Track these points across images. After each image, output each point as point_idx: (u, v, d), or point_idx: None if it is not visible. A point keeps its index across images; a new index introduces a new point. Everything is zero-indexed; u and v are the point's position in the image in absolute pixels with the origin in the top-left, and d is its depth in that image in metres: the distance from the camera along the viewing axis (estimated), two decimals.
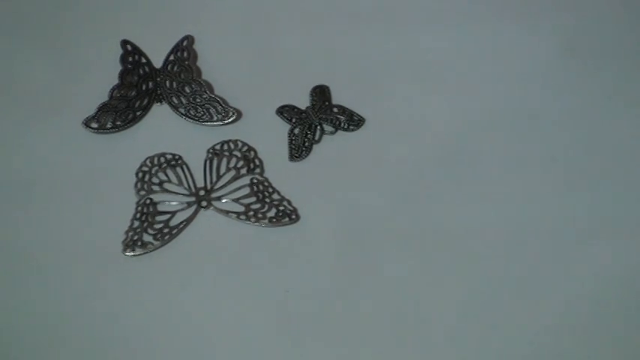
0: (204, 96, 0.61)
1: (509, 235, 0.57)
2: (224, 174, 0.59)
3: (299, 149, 0.60)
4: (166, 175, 0.58)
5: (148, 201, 0.57)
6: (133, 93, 0.61)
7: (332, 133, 0.61)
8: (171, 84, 0.62)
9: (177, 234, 0.56)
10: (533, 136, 0.61)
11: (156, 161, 0.59)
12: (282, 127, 0.61)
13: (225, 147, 0.59)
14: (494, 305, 0.55)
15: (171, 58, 0.63)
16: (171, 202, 0.58)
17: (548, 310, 0.55)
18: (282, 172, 0.59)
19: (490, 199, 0.58)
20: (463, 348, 0.54)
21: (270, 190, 0.58)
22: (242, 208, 0.57)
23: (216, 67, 0.63)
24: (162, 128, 0.61)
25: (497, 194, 0.59)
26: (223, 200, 0.58)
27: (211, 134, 0.60)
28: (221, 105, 0.60)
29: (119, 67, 0.62)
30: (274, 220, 0.57)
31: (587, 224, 0.57)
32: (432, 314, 0.54)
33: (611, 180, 0.59)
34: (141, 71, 0.62)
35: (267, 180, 0.59)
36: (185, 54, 0.63)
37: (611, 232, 0.57)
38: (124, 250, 0.55)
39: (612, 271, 0.56)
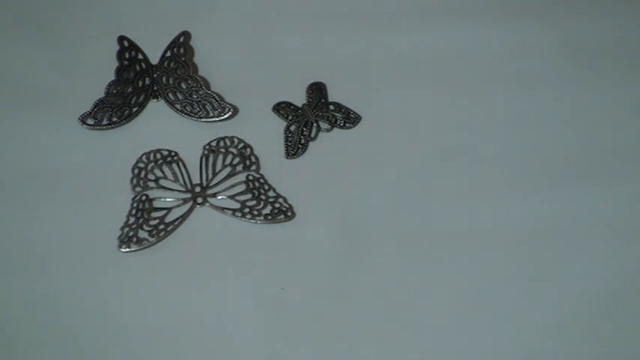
0: (201, 92, 0.61)
1: (507, 234, 0.57)
2: (220, 171, 0.59)
3: (295, 146, 0.60)
4: (162, 172, 0.58)
5: (144, 197, 0.57)
6: (130, 89, 0.61)
7: (328, 130, 0.61)
8: (167, 80, 0.62)
9: (172, 230, 0.56)
10: (531, 136, 0.61)
11: (152, 157, 0.59)
12: (279, 124, 0.61)
13: (222, 143, 0.59)
14: (492, 304, 0.55)
15: (168, 54, 0.63)
16: (166, 198, 0.58)
17: (546, 309, 0.55)
18: (278, 169, 0.59)
19: (487, 198, 0.58)
20: (460, 347, 0.54)
21: (266, 187, 0.58)
22: (238, 205, 0.57)
23: (212, 63, 0.63)
24: (159, 124, 0.61)
25: (495, 193, 0.58)
26: (219, 197, 0.58)
27: (207, 131, 0.60)
28: (217, 101, 0.60)
29: (115, 63, 0.62)
30: (270, 217, 0.57)
31: (586, 224, 0.57)
32: (429, 312, 0.54)
33: (610, 180, 0.59)
34: (137, 67, 0.62)
35: (263, 177, 0.58)
36: (182, 50, 0.63)
37: (611, 233, 0.57)
38: (120, 246, 0.55)
39: (612, 272, 0.56)
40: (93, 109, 0.60)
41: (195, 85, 0.61)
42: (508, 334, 0.54)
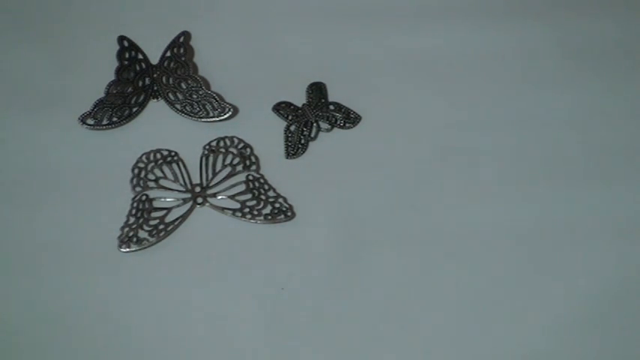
0: (201, 92, 0.61)
1: (507, 233, 0.57)
2: (220, 171, 0.59)
3: (295, 146, 0.60)
4: (162, 172, 0.58)
5: (144, 197, 0.57)
6: (130, 89, 0.61)
7: (328, 130, 0.61)
8: (167, 80, 0.62)
9: (172, 230, 0.56)
10: (531, 136, 0.61)
11: (152, 157, 0.59)
12: (279, 124, 0.61)
13: (222, 143, 0.59)
14: (492, 304, 0.55)
15: (168, 54, 0.63)
16: (166, 198, 0.58)
17: (547, 309, 0.55)
18: (278, 169, 0.59)
19: (487, 198, 0.58)
20: (460, 347, 0.54)
21: (266, 187, 0.58)
22: (238, 205, 0.57)
23: (212, 63, 0.63)
24: (159, 124, 0.61)
25: (495, 193, 0.59)
26: (219, 197, 0.58)
27: (207, 130, 0.60)
28: (217, 101, 0.60)
29: (115, 63, 0.62)
30: (270, 217, 0.57)
31: (586, 224, 0.57)
32: (429, 313, 0.54)
33: (610, 180, 0.59)
34: (137, 67, 0.62)
35: (263, 177, 0.58)
36: (182, 50, 0.63)
37: (611, 233, 0.57)
38: (120, 246, 0.55)
39: (612, 272, 0.56)
40: (93, 109, 0.60)
41: (195, 85, 0.61)
42: (508, 334, 0.54)
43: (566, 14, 0.66)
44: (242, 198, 0.58)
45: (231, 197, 0.58)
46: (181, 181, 0.58)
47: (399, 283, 0.55)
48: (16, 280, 0.55)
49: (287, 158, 0.60)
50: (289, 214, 0.57)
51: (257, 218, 0.57)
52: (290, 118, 0.61)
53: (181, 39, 0.63)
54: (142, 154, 0.59)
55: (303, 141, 0.60)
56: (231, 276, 0.55)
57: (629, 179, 0.59)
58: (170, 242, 0.56)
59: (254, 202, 0.57)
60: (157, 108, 0.61)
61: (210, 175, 0.58)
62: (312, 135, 0.60)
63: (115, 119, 0.60)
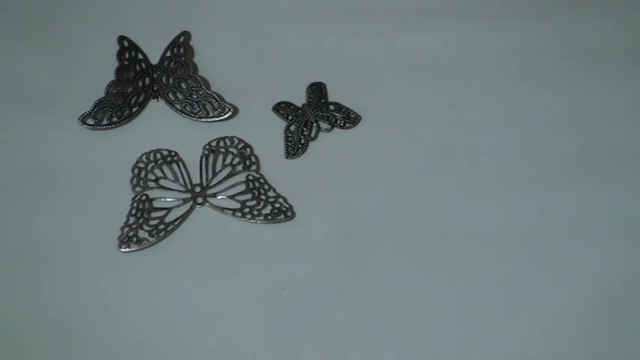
0: (201, 92, 0.61)
1: (507, 234, 0.57)
2: (220, 171, 0.59)
3: (295, 146, 0.60)
4: (162, 172, 0.58)
5: (144, 197, 0.57)
6: (130, 89, 0.61)
7: (328, 130, 0.61)
8: (167, 80, 0.62)
9: (172, 230, 0.56)
10: (531, 136, 0.61)
11: (152, 157, 0.59)
12: (279, 124, 0.61)
13: (222, 143, 0.59)
14: (492, 304, 0.55)
15: (168, 54, 0.63)
16: (166, 198, 0.58)
17: (546, 310, 0.55)
18: (278, 169, 0.59)
19: (488, 197, 0.58)
20: (460, 347, 0.54)
21: (266, 187, 0.58)
22: (238, 205, 0.57)
23: (212, 63, 0.63)
24: (159, 124, 0.61)
25: (495, 193, 0.59)
26: (219, 197, 0.58)
27: (207, 131, 0.60)
28: (217, 101, 0.60)
29: (115, 63, 0.62)
30: (270, 217, 0.57)
31: (586, 224, 0.57)
32: (429, 313, 0.54)
33: (610, 180, 0.59)
34: (137, 67, 0.62)
35: (263, 177, 0.59)
36: (182, 50, 0.63)
37: (611, 233, 0.57)
38: (120, 246, 0.55)
39: (612, 272, 0.56)
40: (93, 109, 0.60)
41: (195, 85, 0.61)
42: (508, 334, 0.54)
43: (566, 14, 0.66)
44: (242, 198, 0.58)
45: (231, 197, 0.58)
46: (181, 181, 0.58)
47: (399, 283, 0.55)
48: (16, 280, 0.55)
49: (287, 158, 0.60)
50: (289, 214, 0.57)
51: (257, 218, 0.57)
52: (290, 118, 0.61)
53: (181, 39, 0.63)
54: (142, 154, 0.59)
55: (303, 141, 0.60)
56: (231, 276, 0.55)
57: (629, 179, 0.59)
58: (170, 242, 0.56)
59: (254, 202, 0.57)
60: (157, 108, 0.61)
61: (210, 175, 0.58)
62: (312, 135, 0.60)
63: (115, 119, 0.60)
